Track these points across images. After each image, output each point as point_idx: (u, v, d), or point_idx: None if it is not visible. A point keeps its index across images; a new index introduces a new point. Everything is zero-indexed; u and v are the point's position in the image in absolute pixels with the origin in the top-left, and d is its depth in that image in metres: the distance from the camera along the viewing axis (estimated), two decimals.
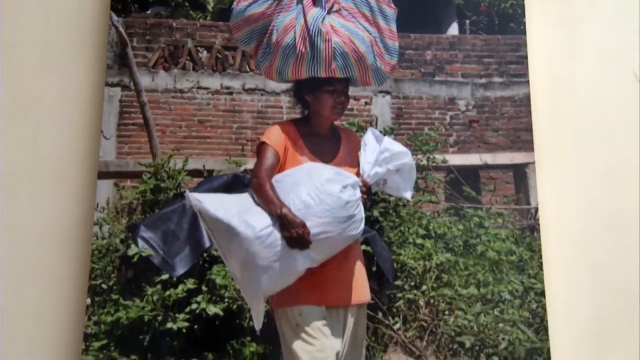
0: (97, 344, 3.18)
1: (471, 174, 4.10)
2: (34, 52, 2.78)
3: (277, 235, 2.48)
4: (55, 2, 2.82)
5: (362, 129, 3.82)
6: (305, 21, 2.65)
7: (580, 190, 2.89)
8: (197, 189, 3.63)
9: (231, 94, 4.13)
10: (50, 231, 2.65)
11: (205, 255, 3.51)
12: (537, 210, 3.28)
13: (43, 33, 2.80)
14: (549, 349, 2.77)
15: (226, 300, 3.44)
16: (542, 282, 2.87)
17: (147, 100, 3.99)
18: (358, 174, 2.69)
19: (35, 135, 2.72)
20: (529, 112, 3.07)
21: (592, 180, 2.89)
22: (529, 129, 3.06)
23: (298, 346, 2.52)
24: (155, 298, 3.36)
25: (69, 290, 2.62)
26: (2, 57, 2.72)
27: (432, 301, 3.44)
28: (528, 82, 3.12)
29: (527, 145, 3.15)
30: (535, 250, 3.35)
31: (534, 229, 3.64)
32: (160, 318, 3.34)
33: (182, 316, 3.35)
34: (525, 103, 3.12)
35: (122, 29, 4.02)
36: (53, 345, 2.55)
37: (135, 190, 3.74)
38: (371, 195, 2.75)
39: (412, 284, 3.51)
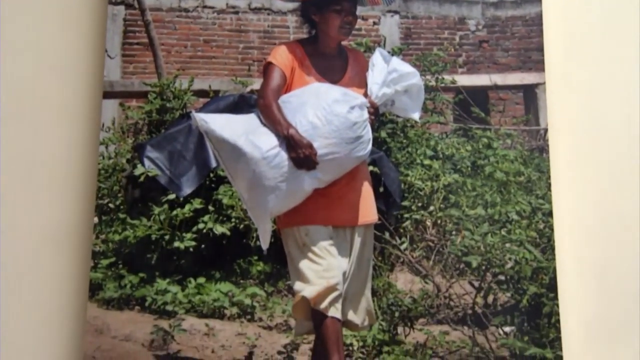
0: (105, 262, 3.22)
1: (480, 95, 4.04)
2: None
3: (284, 155, 2.49)
4: None
5: (370, 49, 3.76)
6: None
7: (590, 111, 2.86)
8: (203, 109, 3.61)
9: (237, 13, 4.04)
10: (56, 150, 2.64)
11: (211, 175, 3.52)
12: (546, 131, 3.25)
13: None
14: (554, 268, 2.79)
15: (233, 219, 3.46)
16: (549, 202, 2.87)
17: (152, 19, 3.93)
18: (365, 95, 2.67)
19: (37, 54, 2.68)
20: (540, 32, 3.01)
21: (602, 100, 2.86)
22: (540, 49, 3.00)
23: (304, 265, 2.55)
24: (162, 217, 3.38)
25: (76, 209, 2.63)
26: None
27: (439, 221, 3.45)
28: (540, 1, 3.05)
29: (538, 65, 3.09)
30: (543, 170, 3.33)
31: (543, 149, 3.62)
32: (167, 237, 3.37)
33: (189, 235, 3.38)
34: (536, 22, 3.05)
35: None
36: (63, 263, 2.58)
37: (141, 110, 3.72)
38: (378, 116, 2.74)
39: (419, 204, 3.52)
